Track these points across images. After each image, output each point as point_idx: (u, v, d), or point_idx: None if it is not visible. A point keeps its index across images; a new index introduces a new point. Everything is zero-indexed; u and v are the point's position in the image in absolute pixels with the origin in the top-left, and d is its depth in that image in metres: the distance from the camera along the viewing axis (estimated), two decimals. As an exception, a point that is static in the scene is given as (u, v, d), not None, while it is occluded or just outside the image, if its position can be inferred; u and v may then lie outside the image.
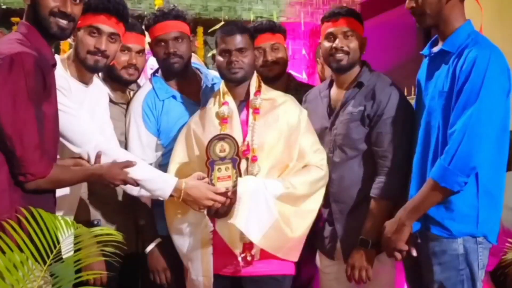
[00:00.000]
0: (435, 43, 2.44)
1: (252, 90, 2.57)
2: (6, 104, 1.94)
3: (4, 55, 1.95)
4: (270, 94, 2.60)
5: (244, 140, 2.49)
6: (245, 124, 2.54)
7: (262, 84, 2.62)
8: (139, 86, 2.92)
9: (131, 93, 2.88)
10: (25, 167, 1.98)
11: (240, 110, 2.56)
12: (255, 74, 2.62)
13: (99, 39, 2.41)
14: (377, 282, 2.53)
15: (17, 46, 2.00)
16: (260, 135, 2.49)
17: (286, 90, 2.91)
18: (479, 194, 2.24)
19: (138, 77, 2.84)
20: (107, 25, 2.41)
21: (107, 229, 2.09)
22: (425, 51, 2.47)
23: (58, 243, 1.93)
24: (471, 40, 2.28)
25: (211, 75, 2.92)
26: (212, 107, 2.58)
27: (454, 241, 2.26)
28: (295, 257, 2.51)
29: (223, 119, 2.53)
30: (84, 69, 2.44)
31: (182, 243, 2.54)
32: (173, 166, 2.58)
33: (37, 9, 2.09)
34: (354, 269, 2.49)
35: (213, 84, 2.84)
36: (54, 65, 2.18)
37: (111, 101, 2.72)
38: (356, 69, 2.65)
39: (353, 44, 2.60)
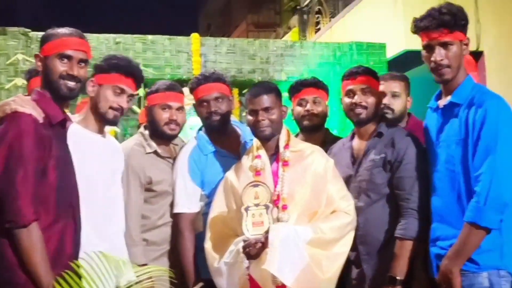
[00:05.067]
0: (439, 98, 2.66)
1: (282, 143, 2.77)
2: None
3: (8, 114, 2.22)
4: (298, 146, 2.80)
5: (274, 190, 2.66)
6: (275, 175, 2.72)
7: (291, 137, 2.83)
8: (182, 141, 3.19)
9: (176, 148, 3.13)
10: (9, 214, 2.14)
11: (271, 162, 2.76)
12: (284, 128, 2.82)
13: (121, 97, 2.66)
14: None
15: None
16: (289, 185, 2.67)
17: (323, 142, 3.14)
18: (502, 229, 2.39)
19: (179, 131, 3.08)
20: (129, 87, 2.69)
21: (158, 267, 2.22)
22: (432, 104, 2.69)
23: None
24: (476, 92, 2.51)
25: (249, 131, 3.17)
26: (246, 160, 2.79)
27: (480, 275, 2.40)
28: None
29: (256, 172, 2.72)
30: (101, 121, 2.67)
31: (222, 282, 2.68)
32: (213, 215, 2.80)
33: (48, 74, 2.39)
34: None
35: (251, 140, 3.05)
36: (63, 121, 2.41)
37: (158, 155, 3.00)
38: (375, 121, 2.88)
39: (371, 99, 2.84)
